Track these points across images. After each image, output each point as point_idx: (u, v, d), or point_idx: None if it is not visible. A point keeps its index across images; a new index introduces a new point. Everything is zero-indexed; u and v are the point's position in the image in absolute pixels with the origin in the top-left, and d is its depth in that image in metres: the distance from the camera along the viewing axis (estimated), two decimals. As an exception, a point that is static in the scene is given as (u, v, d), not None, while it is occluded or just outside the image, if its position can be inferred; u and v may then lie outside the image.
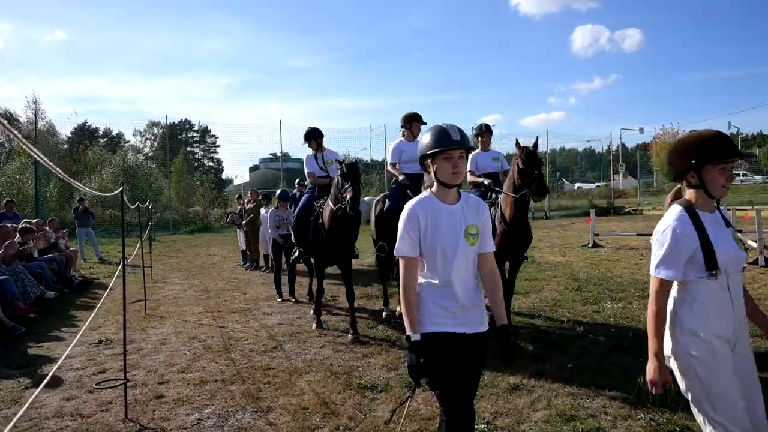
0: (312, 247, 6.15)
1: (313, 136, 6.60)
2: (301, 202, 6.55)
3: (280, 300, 7.93)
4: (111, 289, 7.20)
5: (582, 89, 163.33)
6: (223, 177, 47.95)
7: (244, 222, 11.64)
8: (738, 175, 39.98)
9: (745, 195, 27.14)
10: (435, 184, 2.43)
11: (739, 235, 2.47)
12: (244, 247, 12.03)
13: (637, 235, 13.07)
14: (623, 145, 52.42)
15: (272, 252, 8.31)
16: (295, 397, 4.16)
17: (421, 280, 2.41)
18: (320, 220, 5.89)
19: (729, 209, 16.06)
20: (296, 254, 6.63)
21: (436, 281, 2.37)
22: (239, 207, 12.99)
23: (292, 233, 6.57)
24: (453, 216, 2.38)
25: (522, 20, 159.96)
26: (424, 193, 2.47)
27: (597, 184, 45.94)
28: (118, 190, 4.07)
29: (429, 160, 2.41)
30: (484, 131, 6.74)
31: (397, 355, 5.09)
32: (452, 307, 2.36)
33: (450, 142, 2.32)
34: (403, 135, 6.34)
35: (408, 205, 2.41)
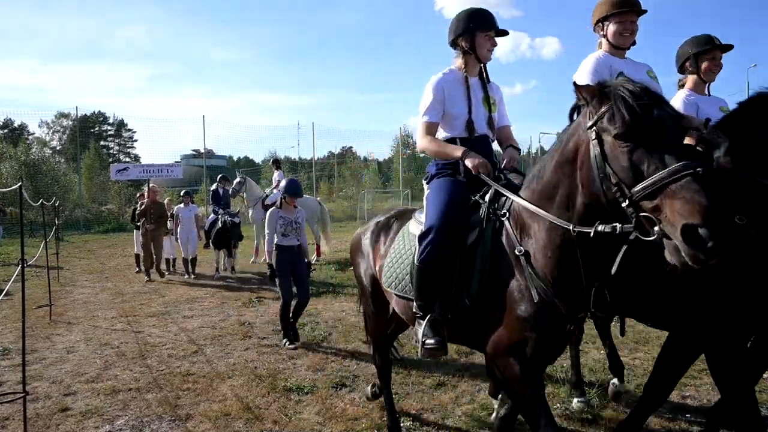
0: (491, 320, 2.35)
1: (484, 24, 2.76)
2: (443, 192, 2.66)
3: (292, 347, 5.29)
4: (9, 293, 6.59)
5: (505, 93, 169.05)
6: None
7: (148, 223, 9.52)
8: None
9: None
10: None
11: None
12: (139, 251, 10.33)
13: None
14: (542, 148, 55.30)
15: (280, 276, 5.48)
16: (216, 403, 3.99)
17: None
18: (524, 251, 2.24)
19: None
20: (425, 333, 2.52)
21: None
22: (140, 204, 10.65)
23: (413, 273, 2.62)
24: None
25: (447, 24, 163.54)
26: None
27: None
28: (17, 186, 3.72)
29: None
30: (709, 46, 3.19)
31: (323, 355, 5.03)
32: None
33: None
34: (600, 45, 3.07)
35: None
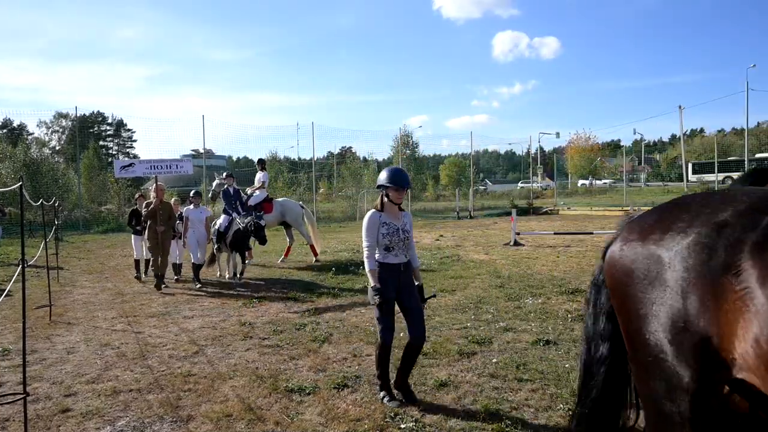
0: None
1: None
2: None
3: (389, 402, 3.85)
4: (9, 293, 6.57)
5: (504, 93, 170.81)
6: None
7: (157, 225, 8.73)
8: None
9: (648, 197, 29.42)
10: None
11: None
12: (139, 257, 9.93)
13: (555, 234, 13.79)
14: (541, 148, 55.34)
15: (381, 306, 3.86)
16: (218, 403, 3.98)
17: None
18: None
19: (636, 209, 17.21)
20: None
21: None
22: (139, 206, 10.08)
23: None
24: None
25: (445, 23, 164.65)
26: None
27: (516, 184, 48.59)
28: (17, 185, 3.70)
29: None
30: None
31: (325, 356, 5.02)
32: None
33: None
34: None
35: None
